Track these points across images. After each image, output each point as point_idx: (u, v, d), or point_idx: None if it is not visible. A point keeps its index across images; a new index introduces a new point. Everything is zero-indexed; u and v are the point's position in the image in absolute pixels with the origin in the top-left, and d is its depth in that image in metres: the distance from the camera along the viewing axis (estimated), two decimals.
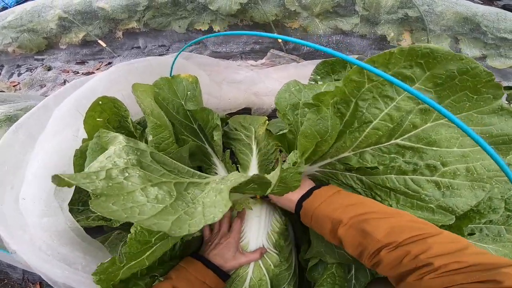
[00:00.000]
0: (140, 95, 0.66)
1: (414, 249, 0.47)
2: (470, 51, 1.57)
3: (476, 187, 0.56)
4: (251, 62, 1.69)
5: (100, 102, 0.71)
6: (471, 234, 0.74)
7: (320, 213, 0.62)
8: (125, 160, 0.43)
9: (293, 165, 0.65)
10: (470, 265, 0.41)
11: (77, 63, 1.86)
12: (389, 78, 0.40)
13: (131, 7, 1.42)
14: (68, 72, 1.87)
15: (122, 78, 0.72)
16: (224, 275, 0.69)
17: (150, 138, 0.62)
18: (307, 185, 0.71)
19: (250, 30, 1.66)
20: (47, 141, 0.77)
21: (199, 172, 0.62)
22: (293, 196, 0.69)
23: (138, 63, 0.79)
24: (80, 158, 0.76)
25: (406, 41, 1.62)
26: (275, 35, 0.52)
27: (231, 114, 1.27)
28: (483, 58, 1.59)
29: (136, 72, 0.79)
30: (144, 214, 0.37)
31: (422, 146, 0.57)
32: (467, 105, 0.51)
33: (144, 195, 0.40)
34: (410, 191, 0.60)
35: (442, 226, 0.58)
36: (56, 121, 0.76)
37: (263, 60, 1.68)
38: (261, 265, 0.74)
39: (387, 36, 1.55)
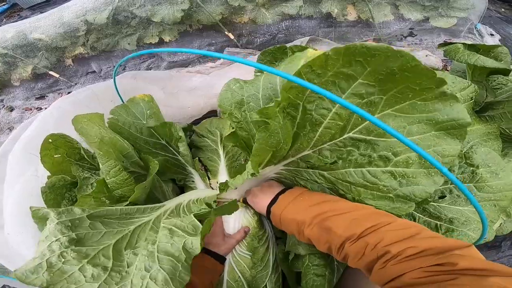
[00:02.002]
0: (85, 126, 0.63)
1: (371, 240, 0.48)
2: (412, 15, 1.58)
3: (433, 174, 0.54)
4: (210, 64, 1.64)
5: (50, 140, 0.70)
6: (442, 197, 0.71)
7: (286, 216, 0.63)
8: (59, 244, 0.46)
9: (251, 176, 0.65)
10: (424, 249, 0.42)
11: (37, 99, 1.75)
12: (315, 89, 0.37)
13: (70, 33, 1.32)
14: (31, 109, 1.77)
15: (67, 113, 0.69)
16: (220, 257, 0.71)
17: (100, 166, 0.60)
18: (276, 190, 0.71)
19: (200, 33, 1.62)
20: (11, 185, 0.76)
21: (150, 205, 0.62)
22: (264, 202, 0.70)
23: (81, 94, 0.76)
24: (50, 193, 0.77)
25: (351, 14, 1.62)
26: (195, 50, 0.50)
27: (199, 120, 1.25)
28: (426, 20, 1.61)
29: (82, 102, 0.76)
30: None
31: (373, 138, 0.55)
32: (410, 95, 0.49)
33: (82, 274, 0.45)
34: (369, 183, 0.59)
35: None
36: (13, 166, 0.75)
37: (221, 60, 1.65)
38: (235, 267, 0.74)
39: (331, 12, 1.54)
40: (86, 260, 0.46)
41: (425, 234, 0.46)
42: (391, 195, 0.58)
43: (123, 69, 1.54)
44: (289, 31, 1.65)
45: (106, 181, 0.60)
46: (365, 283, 0.65)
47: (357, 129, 0.56)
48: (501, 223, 0.91)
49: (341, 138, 0.59)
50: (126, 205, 0.59)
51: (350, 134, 0.57)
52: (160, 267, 0.46)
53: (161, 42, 1.49)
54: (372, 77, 0.49)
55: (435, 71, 0.45)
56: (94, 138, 0.61)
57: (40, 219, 0.63)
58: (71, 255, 0.45)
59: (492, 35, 1.66)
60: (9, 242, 0.70)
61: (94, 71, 1.52)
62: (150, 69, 1.55)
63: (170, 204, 0.64)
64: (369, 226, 0.50)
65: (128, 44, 1.43)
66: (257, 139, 0.54)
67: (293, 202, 0.64)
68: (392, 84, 0.49)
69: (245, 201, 0.79)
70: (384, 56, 0.45)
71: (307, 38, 1.55)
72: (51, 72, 1.44)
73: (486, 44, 1.35)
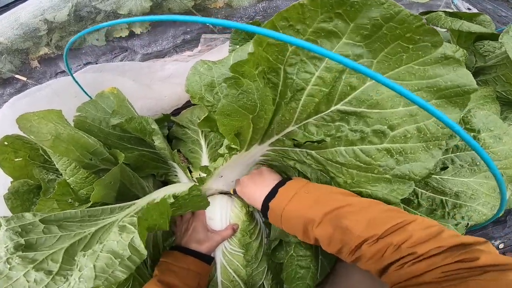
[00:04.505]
0: (36, 124, 0.56)
1: (395, 239, 0.43)
2: None
3: (431, 147, 0.48)
4: (188, 53, 1.57)
5: (6, 143, 0.64)
6: (444, 168, 0.64)
7: (289, 213, 0.55)
8: (5, 250, 0.45)
9: (227, 150, 0.58)
10: (449, 247, 0.40)
11: None
12: (299, 43, 0.30)
13: (30, 33, 1.22)
14: None
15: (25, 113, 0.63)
16: (205, 257, 0.65)
17: (56, 166, 0.55)
18: (269, 179, 0.63)
19: (174, 22, 1.54)
20: None
21: (119, 205, 0.57)
22: (257, 194, 0.62)
23: (38, 92, 0.69)
24: (16, 200, 0.71)
25: None
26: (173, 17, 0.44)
27: (181, 109, 1.19)
28: None
29: (41, 101, 0.69)
30: None
31: (365, 109, 0.48)
32: (404, 56, 0.42)
33: (26, 280, 0.44)
34: (362, 164, 0.52)
35: None
36: None
37: (199, 48, 1.57)
38: (227, 267, 0.68)
39: None
40: (32, 266, 0.44)
41: (448, 233, 0.43)
42: (388, 175, 0.51)
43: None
44: (267, 12, 1.58)
45: (67, 181, 0.55)
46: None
47: (346, 99, 0.49)
48: (510, 195, 0.88)
49: (328, 111, 0.52)
50: (91, 205, 0.54)
51: (338, 106, 0.51)
52: (93, 265, 0.43)
53: (132, 35, 1.41)
54: (357, 35, 0.42)
55: (421, 18, 0.39)
56: (47, 136, 0.55)
57: None
58: (16, 261, 0.44)
59: (469, 9, 1.64)
60: None
61: (64, 71, 1.43)
62: None
63: (142, 201, 0.59)
64: (392, 225, 0.45)
65: (97, 40, 1.35)
66: (225, 95, 0.47)
67: (296, 196, 0.56)
68: (381, 43, 0.42)
69: (235, 193, 0.73)
70: (363, 4, 0.39)
71: None
72: (17, 76, 1.36)
73: (467, 12, 1.32)
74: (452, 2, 1.63)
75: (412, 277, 0.40)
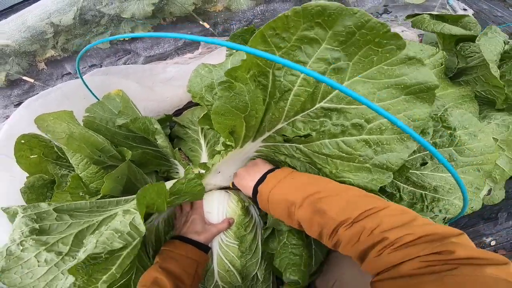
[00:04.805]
0: (52, 124, 0.62)
1: (368, 224, 0.45)
2: None
3: (405, 138, 0.53)
4: (189, 55, 1.62)
5: (23, 141, 0.69)
6: (424, 163, 0.68)
7: (275, 196, 0.60)
8: (20, 233, 0.49)
9: (223, 147, 0.64)
10: (421, 235, 0.41)
11: (16, 106, 1.72)
12: (275, 59, 0.36)
13: (37, 36, 1.27)
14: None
15: (38, 114, 0.69)
16: (203, 246, 0.69)
17: (70, 161, 0.60)
18: (262, 168, 0.68)
19: (175, 26, 1.59)
20: None
21: (124, 197, 0.62)
22: (251, 182, 0.66)
23: (49, 95, 0.75)
24: (31, 194, 0.78)
25: None
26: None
27: (182, 110, 1.24)
28: None
29: (52, 103, 0.75)
30: (36, 276, 0.48)
31: (344, 106, 0.54)
32: (375, 58, 0.48)
33: (37, 260, 0.49)
34: (344, 154, 0.57)
35: None
36: None
37: (199, 50, 1.62)
38: (223, 257, 0.73)
39: None
40: (44, 248, 0.48)
41: (420, 221, 0.45)
42: (367, 165, 0.57)
43: (99, 67, 1.51)
44: (265, 15, 1.63)
45: (80, 175, 0.60)
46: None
47: (328, 97, 0.55)
48: (490, 191, 0.88)
49: (313, 108, 0.58)
50: (100, 198, 0.60)
51: (322, 104, 0.57)
52: (96, 240, 0.47)
53: (135, 38, 1.46)
54: (334, 40, 0.48)
55: (387, 25, 0.45)
56: (62, 134, 0.61)
57: (13, 217, 0.62)
58: (30, 243, 0.48)
59: (465, 9, 1.67)
60: None
61: (70, 73, 1.49)
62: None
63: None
64: (365, 210, 0.47)
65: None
66: (219, 97, 0.52)
67: (282, 181, 0.61)
68: (355, 47, 0.48)
69: (234, 186, 0.78)
70: (338, 14, 0.45)
71: None
72: (25, 78, 1.41)
73: (453, 14, 1.36)
74: (448, 3, 1.66)
75: (390, 266, 0.40)
